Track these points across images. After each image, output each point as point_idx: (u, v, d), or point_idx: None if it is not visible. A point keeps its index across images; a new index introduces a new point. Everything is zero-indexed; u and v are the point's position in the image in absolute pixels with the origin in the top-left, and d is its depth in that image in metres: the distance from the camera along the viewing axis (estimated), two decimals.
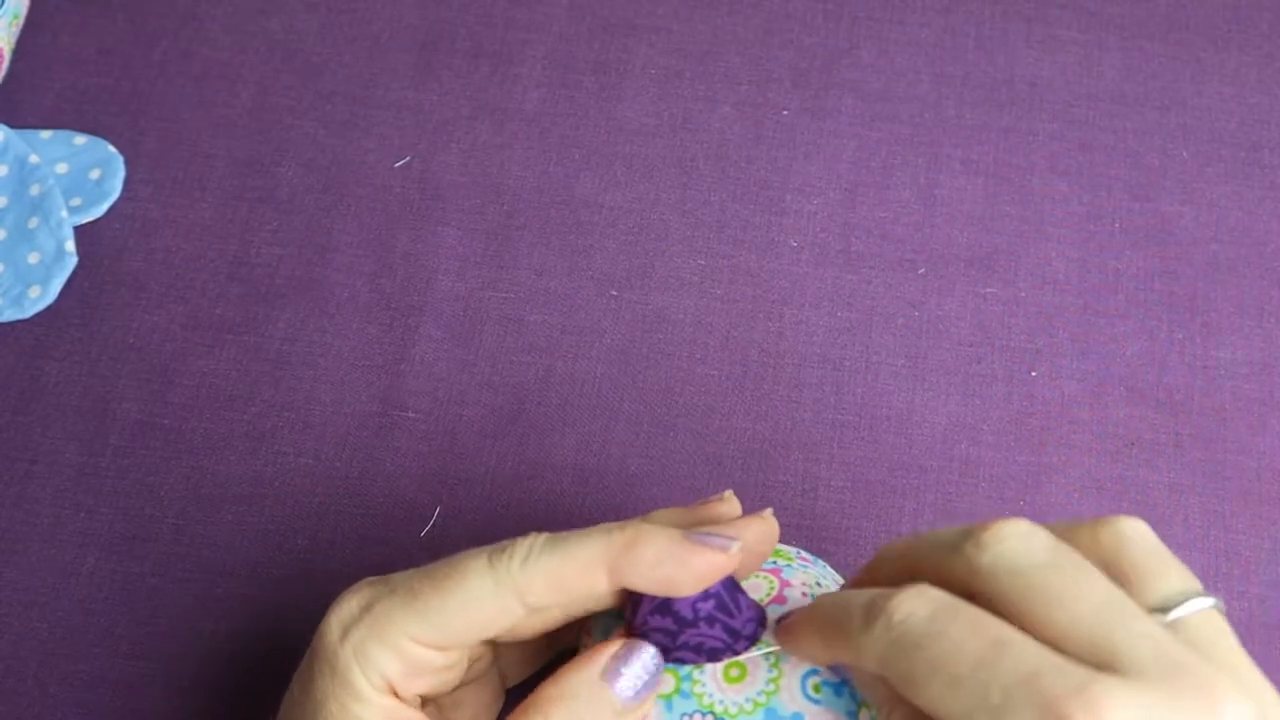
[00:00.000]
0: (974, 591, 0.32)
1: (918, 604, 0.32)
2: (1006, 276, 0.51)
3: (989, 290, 0.50)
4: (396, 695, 0.35)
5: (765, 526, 0.36)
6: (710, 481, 0.47)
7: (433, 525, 0.46)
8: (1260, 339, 0.49)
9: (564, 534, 0.36)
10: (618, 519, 0.45)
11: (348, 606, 0.35)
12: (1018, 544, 0.32)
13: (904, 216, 0.52)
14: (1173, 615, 0.31)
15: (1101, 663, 0.30)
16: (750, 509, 0.46)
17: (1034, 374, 0.49)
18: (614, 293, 0.50)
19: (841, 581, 0.40)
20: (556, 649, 0.41)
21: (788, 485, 0.46)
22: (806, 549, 0.43)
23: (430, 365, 0.49)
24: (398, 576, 0.36)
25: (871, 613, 0.32)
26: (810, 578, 0.39)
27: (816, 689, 0.36)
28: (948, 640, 0.30)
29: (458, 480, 0.47)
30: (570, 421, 0.48)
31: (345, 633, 0.35)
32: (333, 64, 0.55)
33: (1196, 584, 0.32)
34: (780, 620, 0.36)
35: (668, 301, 0.50)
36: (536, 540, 0.35)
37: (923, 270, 0.51)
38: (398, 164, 0.53)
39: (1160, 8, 0.57)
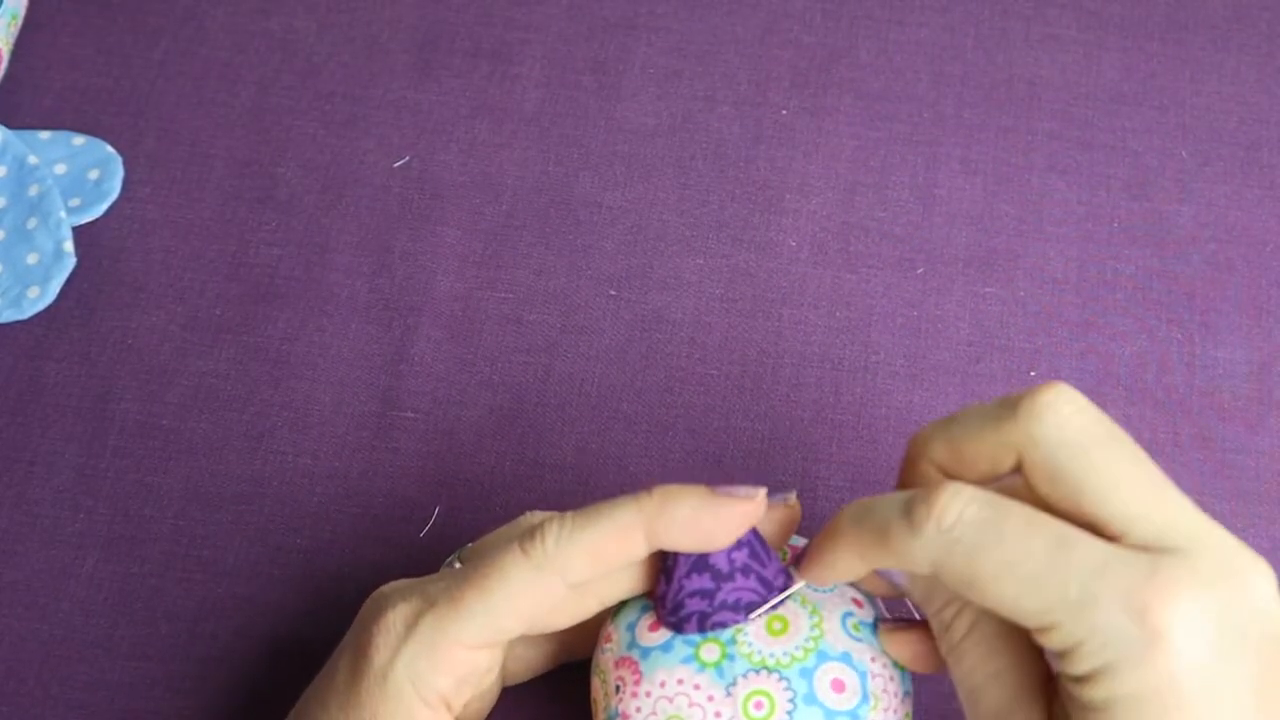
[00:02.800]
0: (1023, 463, 0.33)
1: (966, 505, 0.32)
2: (1005, 276, 0.51)
3: (988, 290, 0.50)
4: (449, 708, 0.36)
5: (790, 513, 0.37)
6: (708, 481, 0.46)
7: (432, 525, 0.46)
8: (1259, 338, 0.49)
9: (587, 509, 0.36)
10: None
11: (391, 624, 0.35)
12: (1074, 415, 0.32)
13: (903, 216, 0.52)
14: None
15: (1155, 543, 0.31)
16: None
17: (1033, 374, 0.49)
18: (613, 292, 0.50)
19: None
20: (563, 659, 0.41)
21: (786, 485, 0.46)
22: None
23: (429, 365, 0.49)
24: (431, 587, 0.36)
25: (915, 516, 0.32)
26: (806, 543, 0.40)
27: (856, 628, 0.37)
28: (1010, 541, 0.31)
29: (457, 480, 0.47)
30: (569, 421, 0.48)
31: (395, 652, 0.35)
32: (332, 64, 0.55)
33: None
34: (799, 556, 0.37)
35: (666, 301, 0.50)
36: (564, 520, 0.36)
37: (921, 270, 0.51)
38: (397, 164, 0.53)
39: (1159, 7, 0.57)
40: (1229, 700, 0.31)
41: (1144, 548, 0.31)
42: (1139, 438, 0.47)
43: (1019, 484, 0.34)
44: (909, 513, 0.33)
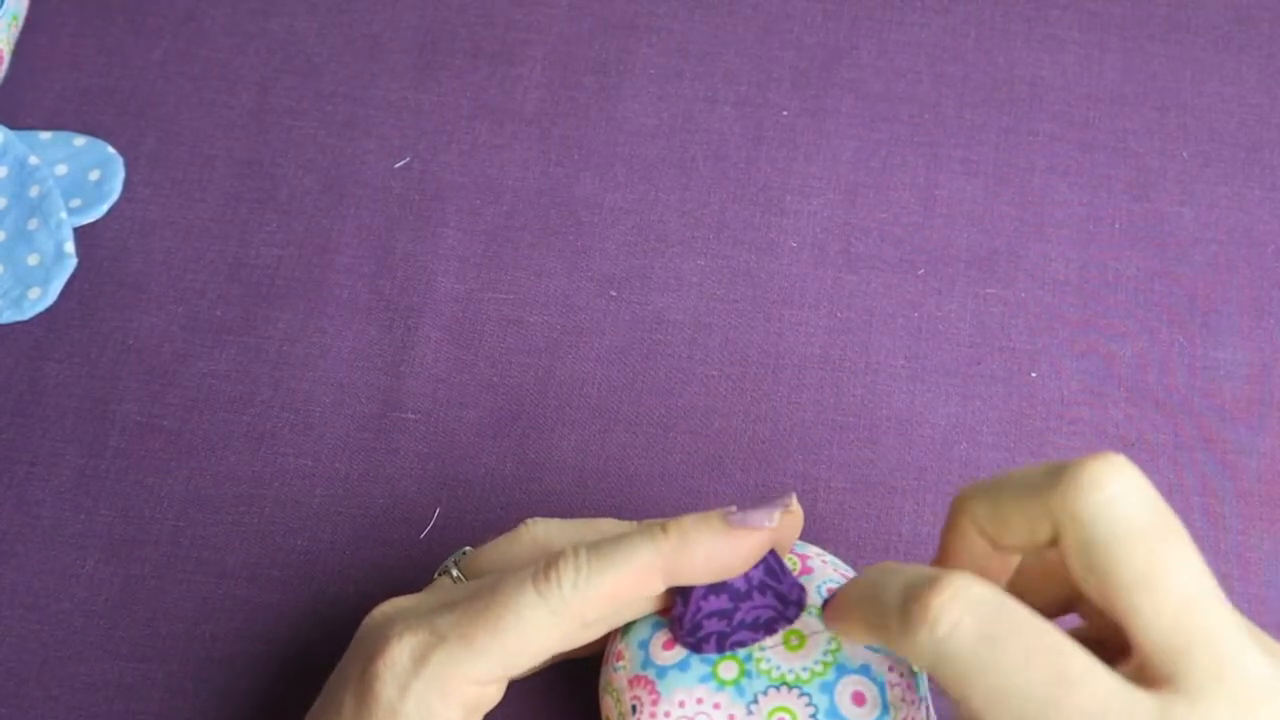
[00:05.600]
0: (1060, 540, 0.31)
1: (963, 613, 0.30)
2: (1006, 277, 0.51)
3: (988, 291, 0.50)
4: None
5: (792, 518, 0.37)
6: (709, 482, 0.47)
7: (432, 526, 0.46)
8: (1259, 339, 0.49)
9: (603, 544, 0.36)
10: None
11: (398, 658, 0.35)
12: (1119, 499, 0.30)
13: (903, 217, 0.52)
14: None
15: (1170, 667, 0.29)
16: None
17: (1034, 374, 0.49)
18: (613, 293, 0.50)
19: (838, 565, 0.40)
20: (562, 659, 0.41)
21: (787, 486, 0.46)
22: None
23: (430, 366, 0.49)
24: (439, 620, 0.35)
25: (909, 615, 0.30)
26: (817, 550, 0.40)
27: None
28: (1005, 669, 0.29)
29: (457, 481, 0.47)
30: (569, 422, 0.48)
31: (404, 688, 0.35)
32: (332, 65, 0.55)
33: None
34: (826, 602, 0.36)
35: (667, 302, 0.50)
36: (579, 557, 0.35)
37: (922, 271, 0.51)
38: (397, 165, 0.53)
39: (1160, 8, 0.57)
40: None
41: (1155, 675, 0.29)
42: (1140, 438, 0.47)
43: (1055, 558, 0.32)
44: (905, 608, 0.31)
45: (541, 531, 0.39)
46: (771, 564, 0.36)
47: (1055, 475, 0.30)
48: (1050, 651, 0.29)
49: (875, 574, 0.33)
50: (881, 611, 0.32)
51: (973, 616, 0.30)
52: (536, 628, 0.35)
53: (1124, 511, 0.30)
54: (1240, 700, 0.29)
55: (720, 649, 0.36)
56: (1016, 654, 0.29)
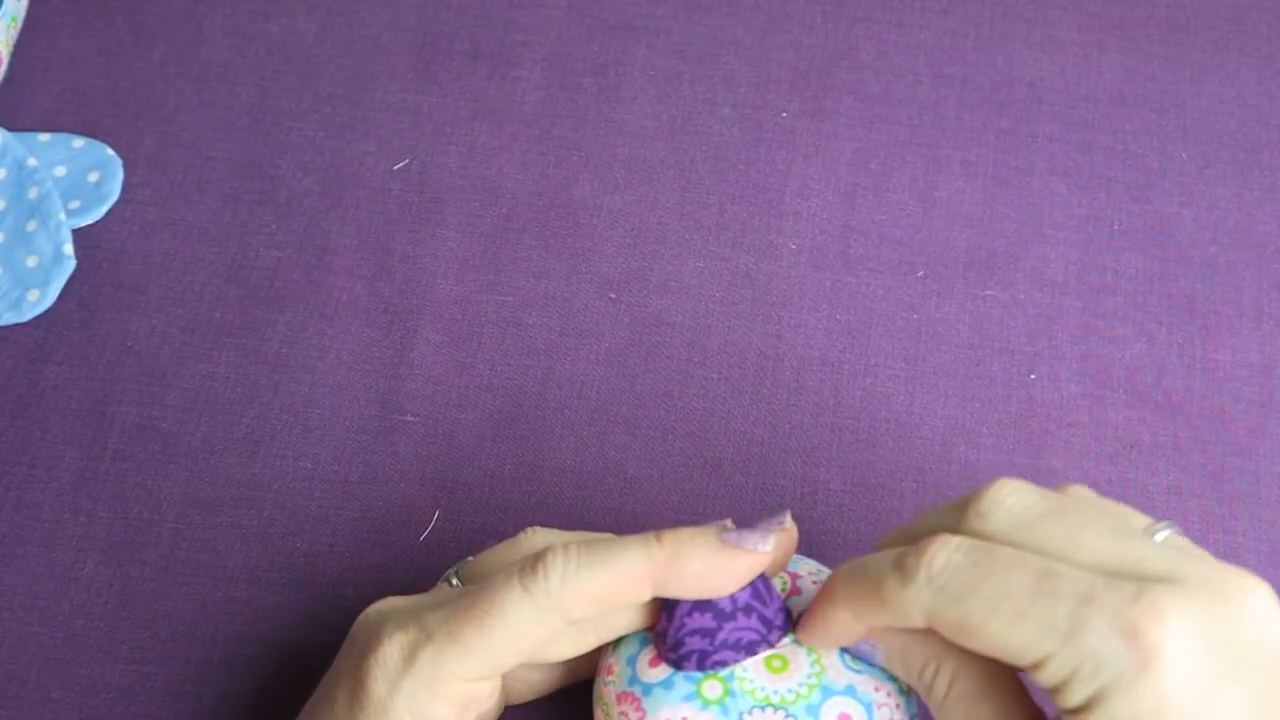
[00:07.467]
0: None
1: (952, 553, 0.33)
2: (1005, 279, 0.51)
3: (988, 293, 0.50)
4: None
5: (786, 537, 0.37)
6: (708, 485, 0.47)
7: (431, 529, 0.46)
8: (1259, 341, 0.49)
9: (594, 542, 0.36)
10: (616, 522, 0.45)
11: (389, 655, 0.35)
12: (1017, 503, 0.34)
13: (903, 219, 0.52)
14: (1157, 539, 0.33)
15: (1134, 578, 0.32)
16: (749, 513, 0.46)
17: (1033, 377, 0.49)
18: (612, 295, 0.50)
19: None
20: (568, 681, 0.41)
21: (786, 489, 0.46)
22: (806, 553, 0.42)
23: (429, 368, 0.49)
24: (428, 617, 0.36)
25: (906, 569, 0.33)
26: (811, 567, 0.40)
27: (854, 660, 0.37)
28: (996, 578, 0.32)
29: (456, 484, 0.47)
30: (569, 425, 0.48)
31: (394, 685, 0.35)
32: (331, 66, 0.55)
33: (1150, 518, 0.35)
34: (800, 615, 0.37)
35: (666, 304, 0.50)
36: (569, 554, 0.35)
37: (921, 273, 0.51)
38: (396, 166, 0.53)
39: (1160, 9, 0.57)
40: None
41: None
42: (1139, 441, 0.47)
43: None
44: (900, 565, 0.33)
45: (541, 540, 0.39)
46: (759, 587, 0.36)
47: (961, 509, 0.34)
48: (1032, 559, 0.32)
49: (849, 567, 0.36)
50: (875, 579, 0.34)
51: (961, 553, 0.33)
52: (521, 624, 0.35)
53: (1024, 511, 0.34)
54: (1213, 583, 0.32)
55: (701, 667, 0.36)
56: (1003, 567, 0.32)
